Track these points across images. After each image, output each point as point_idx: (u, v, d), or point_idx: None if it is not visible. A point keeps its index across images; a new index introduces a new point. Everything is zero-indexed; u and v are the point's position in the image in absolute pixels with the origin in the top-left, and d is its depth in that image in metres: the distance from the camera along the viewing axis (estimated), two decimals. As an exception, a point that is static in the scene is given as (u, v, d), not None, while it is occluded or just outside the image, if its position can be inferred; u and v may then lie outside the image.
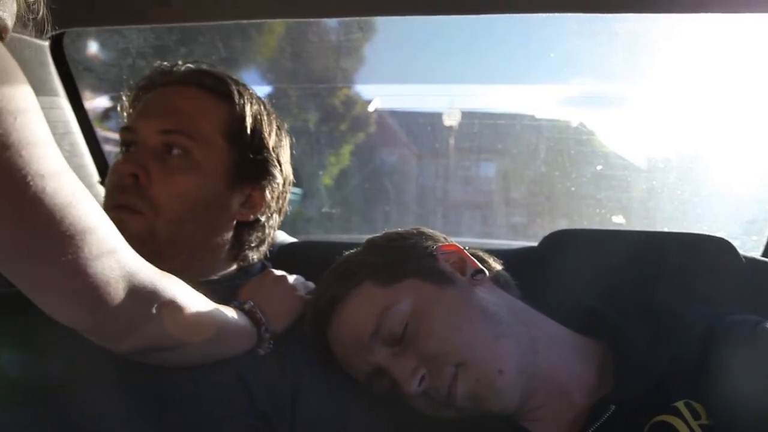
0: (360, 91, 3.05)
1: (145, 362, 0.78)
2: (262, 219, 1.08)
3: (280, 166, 1.09)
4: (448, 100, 2.71)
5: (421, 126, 3.23)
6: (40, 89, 1.39)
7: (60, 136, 1.43)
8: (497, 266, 1.02)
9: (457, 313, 0.89)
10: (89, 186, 1.47)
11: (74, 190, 0.60)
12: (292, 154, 1.15)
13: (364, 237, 1.04)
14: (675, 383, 0.85)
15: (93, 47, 1.63)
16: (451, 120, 2.78)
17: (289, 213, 1.16)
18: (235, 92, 1.05)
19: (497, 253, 1.06)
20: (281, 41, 1.98)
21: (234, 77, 1.10)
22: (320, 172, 3.00)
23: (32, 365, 0.83)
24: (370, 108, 3.16)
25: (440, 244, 0.98)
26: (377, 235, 1.02)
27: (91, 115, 1.53)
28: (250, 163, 1.04)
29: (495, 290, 0.96)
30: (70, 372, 0.82)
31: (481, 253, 1.02)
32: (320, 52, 2.00)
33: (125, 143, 1.04)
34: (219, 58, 1.12)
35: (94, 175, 1.49)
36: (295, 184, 1.16)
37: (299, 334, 0.96)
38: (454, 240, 1.03)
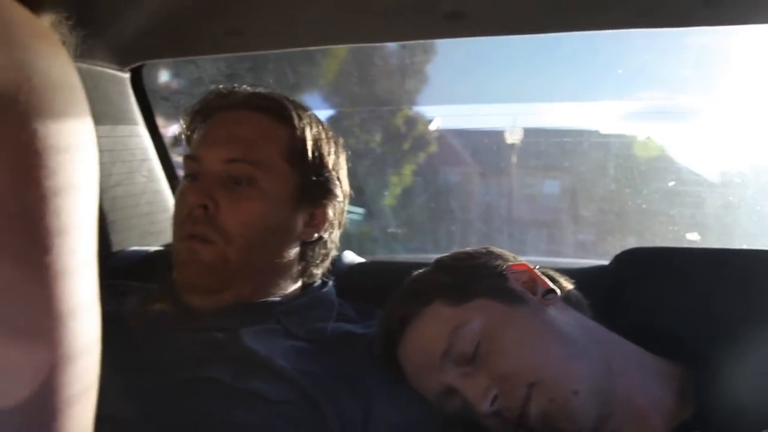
0: (421, 111, 3.07)
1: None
2: (325, 236, 1.10)
3: (340, 183, 1.10)
4: (510, 119, 2.70)
5: (484, 144, 3.22)
6: (122, 118, 1.46)
7: (139, 162, 1.50)
8: (568, 285, 1.00)
9: (529, 333, 0.88)
10: (164, 210, 1.52)
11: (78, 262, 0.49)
12: (355, 174, 1.16)
13: (431, 257, 1.04)
14: (761, 409, 0.81)
15: (168, 77, 1.71)
16: (514, 138, 2.77)
17: (353, 233, 1.17)
18: (295, 115, 1.06)
19: (567, 272, 1.04)
20: (347, 65, 2.02)
21: (291, 99, 1.11)
22: (384, 192, 3.02)
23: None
24: (432, 127, 3.17)
25: (510, 264, 0.98)
26: (445, 254, 1.03)
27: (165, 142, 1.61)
28: (313, 184, 1.06)
29: (567, 310, 0.95)
30: (142, 402, 0.84)
31: (551, 272, 1.01)
32: (384, 74, 2.03)
33: (191, 172, 1.05)
34: (287, 83, 1.15)
35: (170, 200, 1.55)
36: (357, 204, 1.18)
37: (369, 355, 0.96)
38: (523, 258, 1.02)
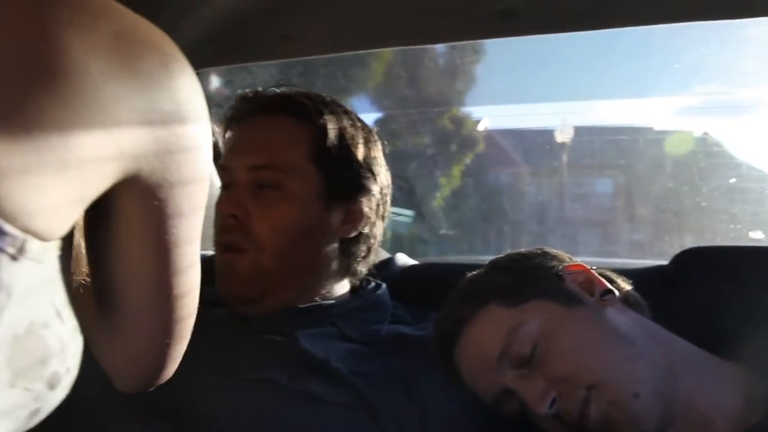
0: (469, 112, 3.06)
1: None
2: (366, 231, 1.07)
3: (374, 175, 1.07)
4: (561, 117, 2.66)
5: (534, 144, 3.19)
6: (178, 125, 1.50)
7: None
8: (626, 286, 0.98)
9: (587, 334, 0.86)
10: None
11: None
12: (404, 176, 1.16)
13: (484, 258, 1.04)
14: None
15: (221, 84, 1.74)
16: (564, 137, 2.73)
17: (404, 236, 1.17)
18: (315, 113, 1.03)
19: (623, 273, 1.02)
20: (395, 67, 2.03)
21: (314, 95, 1.08)
22: (433, 194, 3.01)
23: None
24: (480, 128, 3.15)
25: (566, 264, 0.96)
26: (500, 256, 1.02)
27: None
28: (343, 179, 1.04)
29: (626, 311, 0.93)
30: (206, 402, 0.86)
31: (608, 273, 0.99)
32: (433, 75, 2.03)
33: (224, 182, 1.06)
34: (338, 87, 1.17)
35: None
36: (407, 206, 1.17)
37: (424, 357, 0.96)
38: (578, 258, 1.01)
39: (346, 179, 1.04)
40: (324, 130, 1.03)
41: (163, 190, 0.54)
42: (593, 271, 0.95)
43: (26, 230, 0.45)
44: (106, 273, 0.60)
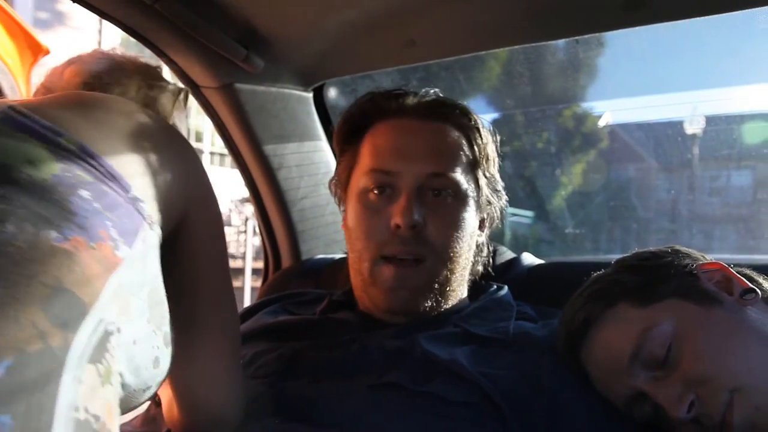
0: (590, 107, 2.97)
1: None
2: (487, 233, 1.14)
3: (500, 181, 1.14)
4: (690, 107, 2.52)
5: (661, 137, 3.03)
6: (306, 135, 1.59)
7: (323, 176, 1.61)
8: None
9: (728, 335, 0.83)
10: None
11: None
12: (523, 176, 1.18)
13: (611, 257, 1.01)
14: None
15: (346, 92, 1.81)
16: (695, 128, 2.58)
17: (525, 236, 1.19)
18: (472, 123, 1.08)
19: (766, 269, 0.97)
20: (512, 65, 2.01)
21: (462, 105, 1.11)
22: (554, 193, 2.95)
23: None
24: (601, 123, 3.05)
25: (700, 263, 0.93)
26: (627, 255, 1.00)
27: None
28: (487, 186, 1.09)
29: (769, 312, 0.88)
30: (330, 408, 0.89)
31: (748, 272, 0.94)
32: (552, 71, 1.99)
33: (380, 185, 1.03)
34: (460, 90, 1.18)
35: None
36: (526, 207, 1.19)
37: (552, 356, 0.95)
38: (711, 256, 0.96)
39: (488, 186, 1.10)
40: (482, 140, 1.08)
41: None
42: (731, 270, 0.91)
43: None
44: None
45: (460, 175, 1.04)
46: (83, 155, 0.62)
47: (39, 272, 0.52)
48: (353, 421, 0.86)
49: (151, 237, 0.66)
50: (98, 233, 0.58)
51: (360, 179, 1.06)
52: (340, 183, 1.13)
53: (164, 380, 0.69)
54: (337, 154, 1.16)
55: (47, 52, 1.15)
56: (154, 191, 0.68)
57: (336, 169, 1.17)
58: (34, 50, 1.11)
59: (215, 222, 0.81)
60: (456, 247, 1.03)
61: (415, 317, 1.03)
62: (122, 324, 0.58)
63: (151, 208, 0.67)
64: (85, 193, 0.60)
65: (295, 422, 0.87)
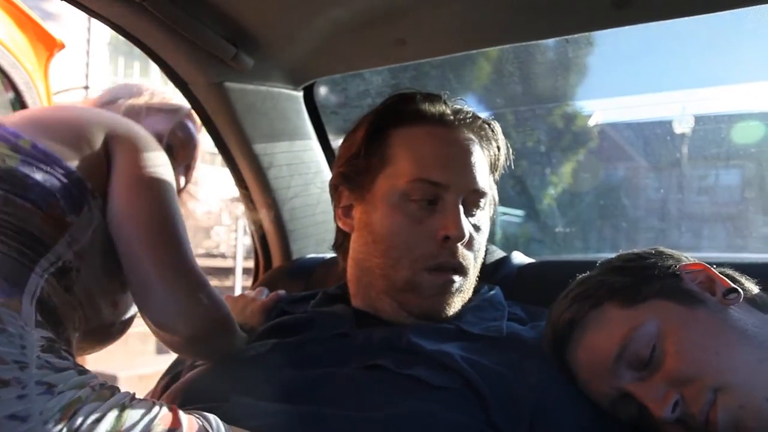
0: (580, 106, 2.98)
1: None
2: None
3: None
4: (679, 107, 2.54)
5: (650, 136, 3.05)
6: (296, 134, 1.59)
7: (313, 174, 1.61)
8: (752, 286, 0.94)
9: (712, 334, 0.84)
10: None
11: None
12: (514, 175, 1.19)
13: (602, 256, 1.02)
14: None
15: (336, 91, 1.81)
16: (684, 127, 2.59)
17: (515, 235, 1.20)
18: (493, 137, 1.11)
19: (754, 267, 0.97)
20: (502, 64, 2.02)
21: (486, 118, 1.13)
22: (544, 192, 2.96)
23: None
24: (591, 122, 3.06)
25: (683, 263, 0.94)
26: (612, 256, 1.00)
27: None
28: (491, 191, 1.12)
29: (752, 311, 0.89)
30: (316, 388, 0.91)
31: (730, 272, 0.95)
32: (542, 71, 2.00)
33: (427, 196, 1.01)
34: (450, 89, 1.18)
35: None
36: (517, 206, 1.21)
37: (541, 355, 0.96)
38: (698, 254, 0.97)
39: (493, 194, 1.13)
40: (499, 152, 1.12)
41: None
42: (714, 270, 0.92)
43: None
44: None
45: (489, 190, 1.07)
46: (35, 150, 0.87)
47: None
48: (336, 401, 0.88)
49: (93, 203, 0.91)
50: (50, 203, 0.84)
51: (396, 185, 1.03)
52: (355, 183, 1.08)
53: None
54: (356, 153, 1.08)
55: (62, 46, 1.15)
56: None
57: (346, 166, 1.10)
58: (48, 44, 1.11)
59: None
60: (478, 259, 1.07)
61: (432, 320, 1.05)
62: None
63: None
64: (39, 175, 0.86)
65: (282, 403, 0.89)
